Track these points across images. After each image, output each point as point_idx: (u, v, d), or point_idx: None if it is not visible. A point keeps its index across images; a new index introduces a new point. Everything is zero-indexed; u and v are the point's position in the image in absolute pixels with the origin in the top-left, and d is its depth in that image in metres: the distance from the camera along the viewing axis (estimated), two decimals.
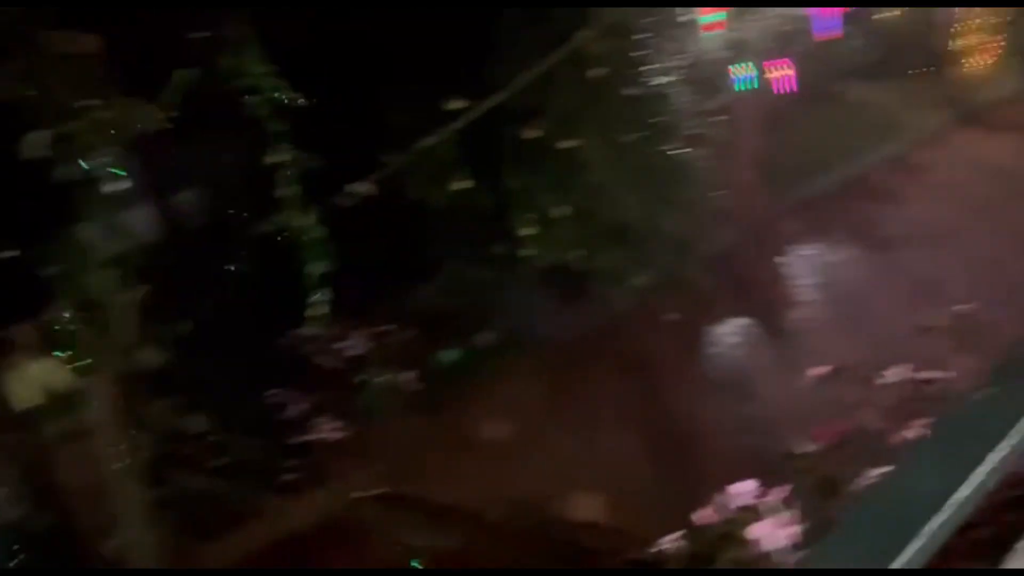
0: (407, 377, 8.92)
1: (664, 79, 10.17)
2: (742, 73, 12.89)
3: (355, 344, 9.37)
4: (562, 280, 10.00)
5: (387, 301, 10.05)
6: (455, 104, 8.57)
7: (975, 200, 10.69)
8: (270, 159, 6.96)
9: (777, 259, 10.50)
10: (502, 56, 9.04)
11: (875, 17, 15.11)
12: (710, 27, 12.49)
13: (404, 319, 9.73)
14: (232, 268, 8.40)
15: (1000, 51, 14.36)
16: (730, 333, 9.35)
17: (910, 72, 14.26)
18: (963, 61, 14.36)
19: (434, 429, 8.57)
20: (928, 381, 2.97)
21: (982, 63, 14.33)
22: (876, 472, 3.05)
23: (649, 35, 10.21)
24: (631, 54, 9.80)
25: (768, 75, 13.19)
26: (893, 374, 3.05)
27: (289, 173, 7.02)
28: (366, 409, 8.71)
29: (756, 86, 13.12)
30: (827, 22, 14.06)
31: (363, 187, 8.24)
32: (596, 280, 9.98)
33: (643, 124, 9.91)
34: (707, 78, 12.00)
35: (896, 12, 14.75)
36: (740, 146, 12.07)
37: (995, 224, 9.85)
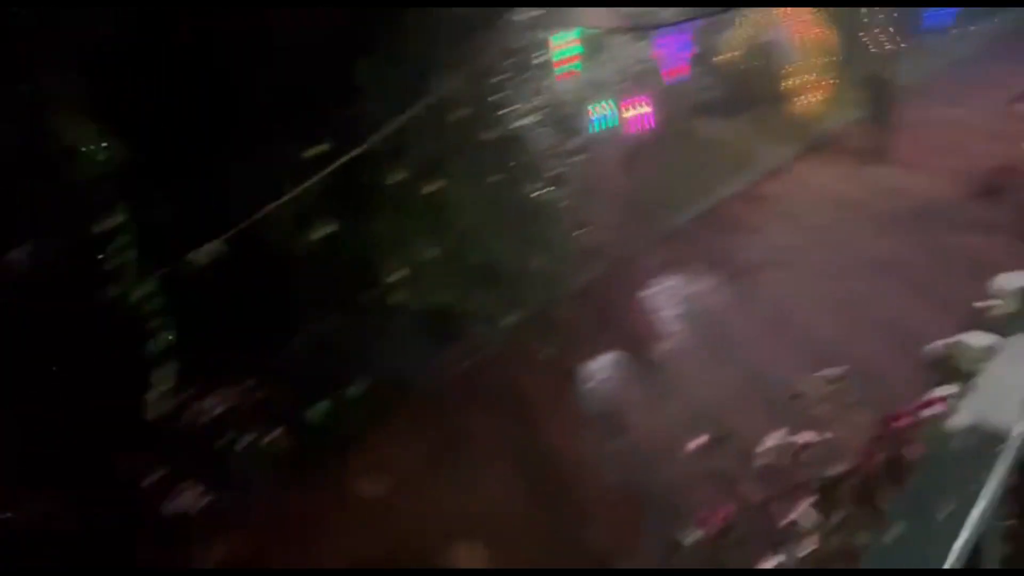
0: (274, 437, 8.47)
1: (525, 121, 10.31)
2: (600, 113, 13.33)
3: (216, 406, 8.85)
4: (434, 324, 9.86)
5: (252, 357, 9.56)
6: (315, 151, 8.33)
7: (819, 227, 11.37)
8: (100, 226, 6.42)
9: (642, 292, 10.76)
10: (363, 101, 8.90)
11: (719, 59, 16.04)
12: (566, 70, 12.84)
13: (271, 375, 9.28)
14: (66, 341, 7.68)
15: (833, 87, 15.51)
16: (601, 369, 9.44)
17: (755, 109, 15.15)
18: (801, 97, 15.39)
19: (304, 490, 8.17)
20: (806, 445, 3.00)
21: (817, 99, 15.41)
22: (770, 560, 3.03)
23: (508, 77, 10.36)
24: (492, 97, 9.90)
25: (625, 114, 13.68)
26: (772, 440, 3.06)
27: (124, 239, 6.50)
28: (229, 474, 8.20)
29: (614, 125, 13.59)
30: (676, 62, 14.78)
31: (205, 253, 7.78)
32: (468, 322, 9.90)
33: (507, 165, 10.00)
34: (566, 118, 12.28)
35: (738, 53, 15.70)
36: (601, 183, 12.39)
37: (839, 249, 10.50)
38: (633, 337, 9.89)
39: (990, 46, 16.66)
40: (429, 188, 8.86)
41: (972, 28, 17.68)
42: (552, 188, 10.34)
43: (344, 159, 7.44)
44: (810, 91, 15.38)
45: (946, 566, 1.02)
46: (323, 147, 8.01)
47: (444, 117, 8.96)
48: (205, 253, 7.79)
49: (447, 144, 9.02)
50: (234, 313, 9.00)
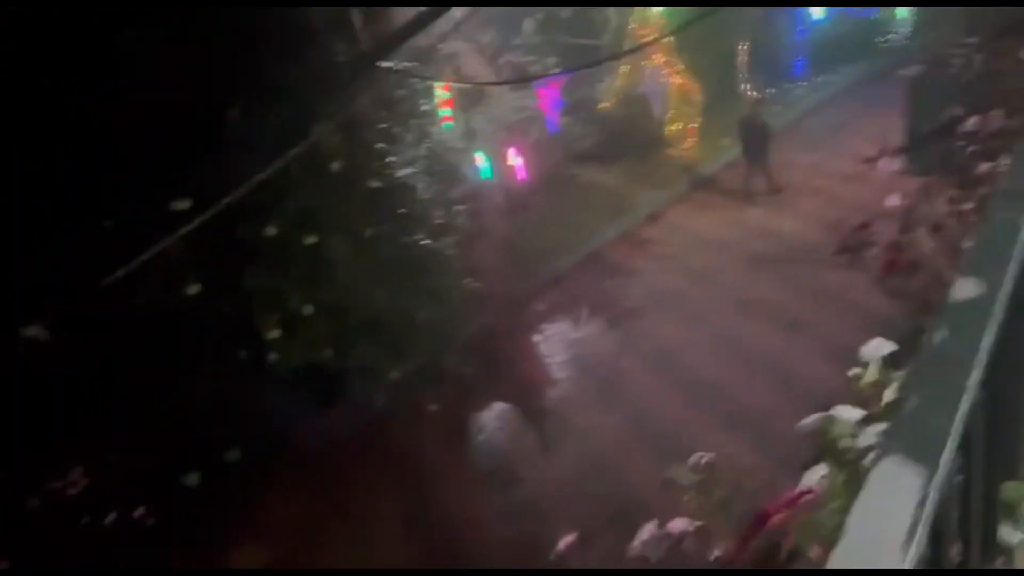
0: (140, 512, 7.83)
1: (407, 170, 10.17)
2: (482, 161, 13.38)
3: (79, 481, 8.14)
4: (316, 381, 9.45)
5: (119, 425, 8.88)
6: (181, 204, 7.88)
7: (698, 269, 11.69)
8: None
9: (529, 339, 10.73)
10: (231, 152, 8.53)
11: (596, 108, 16.50)
12: (447, 119, 12.86)
13: (140, 443, 8.64)
14: None
15: (705, 134, 16.19)
16: (491, 421, 9.30)
17: (633, 156, 15.61)
18: (676, 144, 15.97)
19: (179, 563, 7.57)
20: (679, 538, 2.91)
21: (692, 145, 16.03)
22: None
23: (388, 126, 10.23)
24: (371, 146, 9.72)
25: (507, 162, 13.79)
26: (645, 532, 2.96)
27: None
28: (93, 556, 7.49)
29: (497, 173, 13.67)
30: (555, 111, 15.08)
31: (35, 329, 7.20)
32: (352, 378, 9.55)
33: (389, 215, 9.80)
34: (449, 167, 12.25)
35: (614, 103, 16.20)
36: (486, 231, 12.38)
37: (718, 291, 10.81)
38: (522, 385, 9.81)
39: (839, 95, 17.85)
40: (307, 241, 8.53)
41: (820, 79, 18.91)
42: (437, 237, 10.20)
43: (211, 213, 7.04)
44: (685, 138, 15.98)
45: None
46: (189, 201, 7.57)
47: (321, 167, 8.70)
48: (35, 328, 7.18)
49: (325, 195, 8.74)
50: (97, 379, 8.37)
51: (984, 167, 4.59)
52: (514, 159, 13.50)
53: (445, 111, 13.15)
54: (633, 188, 14.82)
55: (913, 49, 14.58)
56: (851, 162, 12.65)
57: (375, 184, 9.39)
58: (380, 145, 9.78)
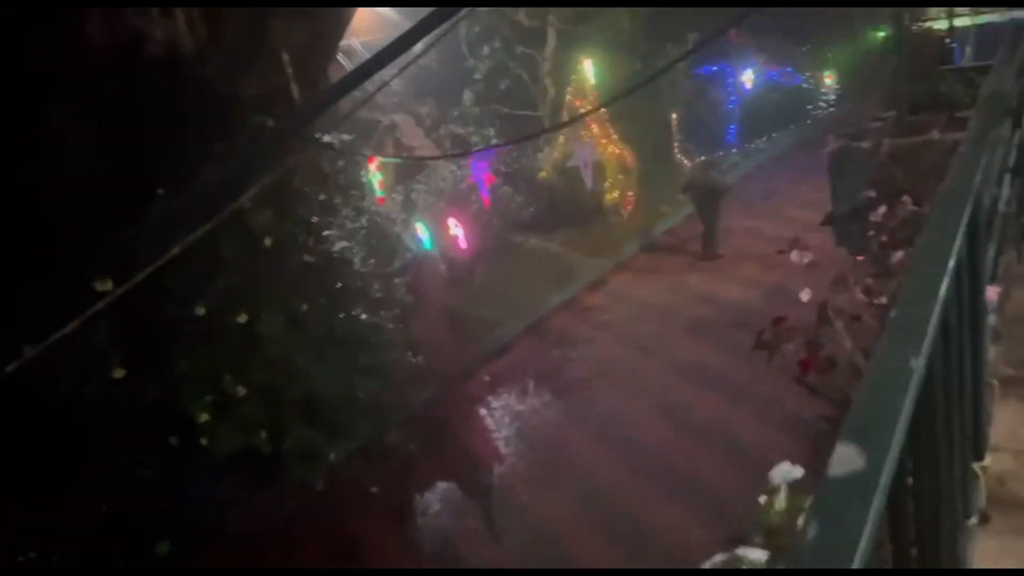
0: None
1: (345, 243, 9.99)
2: (424, 232, 13.28)
3: None
4: (251, 465, 9.01)
5: (39, 518, 8.30)
6: (102, 285, 7.53)
7: (641, 337, 11.66)
8: None
9: (473, 413, 10.48)
10: (159, 229, 8.25)
11: (537, 177, 16.65)
12: (385, 192, 12.78)
13: (62, 536, 8.08)
14: None
15: (645, 201, 16.44)
16: (435, 501, 8.96)
17: (574, 224, 15.72)
18: (616, 211, 16.16)
19: None
20: None
21: (631, 212, 16.24)
22: None
23: (325, 199, 10.07)
24: (307, 220, 9.54)
25: (448, 233, 13.72)
26: None
27: None
28: None
29: (437, 244, 13.57)
30: (495, 182, 15.14)
31: None
32: (289, 460, 9.14)
33: (324, 291, 9.56)
34: (389, 240, 12.12)
35: (554, 172, 16.38)
36: (427, 303, 12.20)
37: (661, 359, 10.76)
38: (467, 462, 9.51)
39: (771, 163, 18.41)
40: (237, 319, 8.23)
41: (753, 146, 19.52)
42: (375, 311, 9.97)
43: (125, 288, 6.72)
44: (624, 206, 16.19)
45: None
46: (110, 282, 7.24)
47: (253, 243, 8.47)
48: None
49: (257, 272, 8.49)
50: (14, 468, 7.86)
51: (896, 256, 4.59)
52: (455, 229, 13.43)
53: (376, 178, 13.06)
54: (575, 256, 14.87)
55: (837, 121, 15.11)
56: (783, 226, 12.93)
57: (309, 259, 9.17)
58: (315, 219, 9.60)
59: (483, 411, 10.52)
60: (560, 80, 17.40)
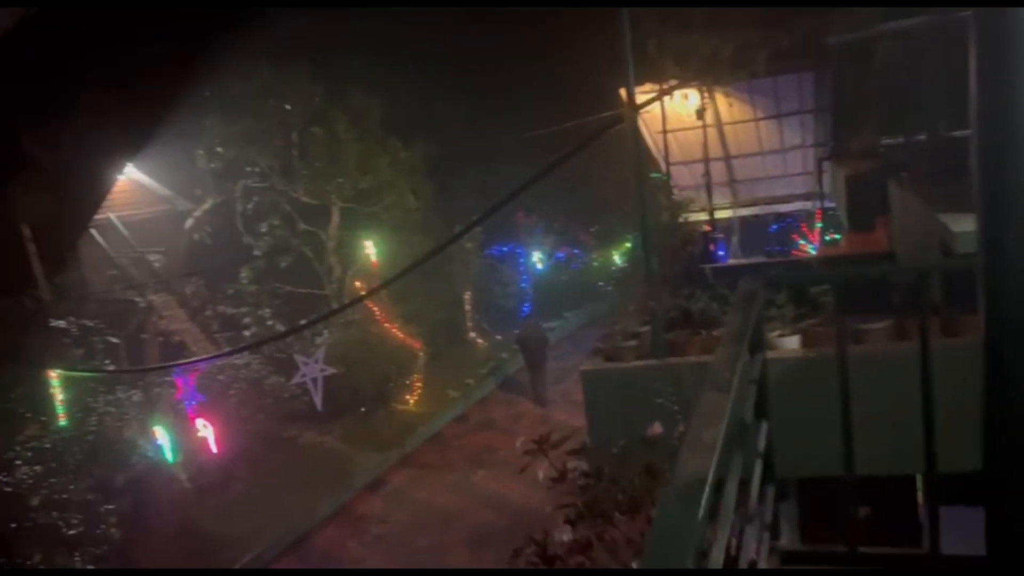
0: None
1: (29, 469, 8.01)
2: (163, 436, 11.28)
3: None
4: None
5: None
6: None
7: (416, 552, 10.24)
8: None
9: None
10: None
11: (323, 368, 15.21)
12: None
13: None
14: None
15: (431, 387, 15.41)
16: None
17: (353, 413, 14.29)
18: (400, 399, 14.97)
19: None
20: None
21: (416, 400, 15.11)
22: None
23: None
24: None
25: (198, 433, 11.84)
26: None
27: None
28: None
29: (182, 449, 11.59)
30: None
31: None
32: None
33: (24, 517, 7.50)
34: (116, 447, 10.16)
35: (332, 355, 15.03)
36: (165, 523, 10.16)
37: None
38: None
39: (563, 342, 18.16)
40: None
41: (545, 325, 19.33)
42: (71, 555, 7.91)
43: None
44: (408, 392, 15.07)
45: None
46: None
47: None
48: None
49: None
50: None
51: None
52: (204, 429, 11.58)
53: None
54: (353, 451, 13.36)
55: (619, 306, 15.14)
56: (576, 416, 12.23)
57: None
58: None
59: None
60: (347, 258, 16.56)
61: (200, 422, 11.46)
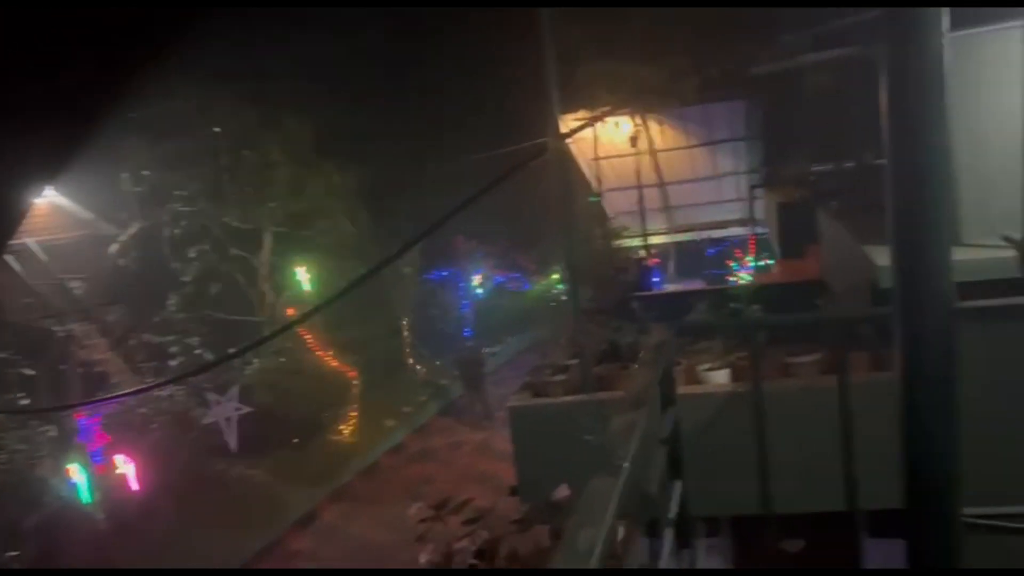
0: None
1: None
2: (78, 474, 10.67)
3: None
4: None
5: None
6: None
7: None
8: None
9: None
10: None
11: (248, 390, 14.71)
12: None
13: None
14: None
15: (366, 417, 15.02)
16: None
17: (285, 445, 13.82)
18: (334, 430, 14.55)
19: None
20: None
21: (351, 430, 14.70)
22: None
23: None
24: None
25: (116, 470, 11.26)
26: None
27: None
28: None
29: (100, 487, 10.99)
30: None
31: None
32: None
33: None
34: (27, 487, 9.56)
35: (262, 385, 14.55)
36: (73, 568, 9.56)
37: None
38: None
39: (504, 367, 17.96)
40: None
41: (487, 350, 19.11)
42: None
43: None
44: (343, 422, 14.66)
45: None
46: None
47: None
48: None
49: None
50: None
51: None
52: (124, 466, 11.02)
53: None
54: (285, 485, 12.88)
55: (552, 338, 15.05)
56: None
57: None
58: None
59: None
60: (280, 284, 16.14)
61: (119, 458, 10.89)
